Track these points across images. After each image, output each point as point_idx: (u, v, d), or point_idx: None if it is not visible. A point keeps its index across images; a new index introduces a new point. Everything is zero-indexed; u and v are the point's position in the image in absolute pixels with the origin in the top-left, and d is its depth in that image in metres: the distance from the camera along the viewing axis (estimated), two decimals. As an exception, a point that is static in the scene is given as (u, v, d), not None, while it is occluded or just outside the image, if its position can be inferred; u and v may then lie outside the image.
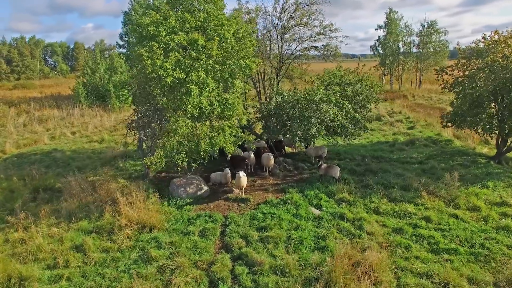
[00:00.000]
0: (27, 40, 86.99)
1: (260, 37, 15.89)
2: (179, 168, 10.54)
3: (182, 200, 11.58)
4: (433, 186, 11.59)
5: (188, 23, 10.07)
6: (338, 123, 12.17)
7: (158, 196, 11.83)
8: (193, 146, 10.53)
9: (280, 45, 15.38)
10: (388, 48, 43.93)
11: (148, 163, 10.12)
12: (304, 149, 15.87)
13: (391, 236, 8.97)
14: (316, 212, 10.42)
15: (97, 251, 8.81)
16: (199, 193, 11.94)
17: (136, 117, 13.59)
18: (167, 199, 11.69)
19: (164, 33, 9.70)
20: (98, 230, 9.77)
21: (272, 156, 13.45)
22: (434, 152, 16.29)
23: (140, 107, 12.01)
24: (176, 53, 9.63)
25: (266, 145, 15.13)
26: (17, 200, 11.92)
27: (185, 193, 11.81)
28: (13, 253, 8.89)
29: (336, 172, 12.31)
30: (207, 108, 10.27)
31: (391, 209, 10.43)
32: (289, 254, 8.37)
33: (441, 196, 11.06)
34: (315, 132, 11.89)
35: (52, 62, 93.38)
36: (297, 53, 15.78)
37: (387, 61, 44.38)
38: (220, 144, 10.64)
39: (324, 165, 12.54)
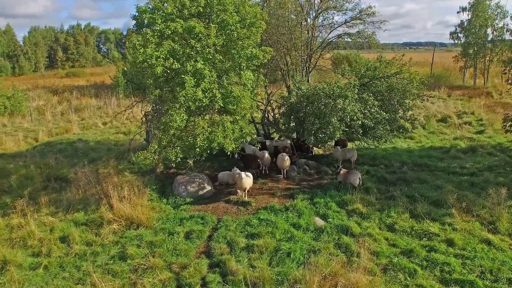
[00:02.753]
0: (82, 27, 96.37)
1: (290, 24, 15.83)
2: (173, 165, 11.09)
3: (181, 199, 12.18)
4: (472, 203, 10.65)
5: (187, 9, 10.53)
6: (359, 123, 11.73)
7: (158, 193, 12.67)
8: (191, 141, 11.00)
9: (310, 32, 15.18)
10: (472, 35, 40.39)
11: (141, 157, 10.80)
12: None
13: (396, 258, 8.51)
14: (320, 223, 10.25)
15: (80, 244, 9.72)
16: (200, 192, 12.43)
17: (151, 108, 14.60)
18: (167, 197, 12.39)
19: (160, 20, 10.28)
20: (89, 223, 10.74)
21: (287, 157, 13.42)
22: (497, 162, 14.82)
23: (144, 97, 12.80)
24: (171, 41, 10.15)
25: (288, 145, 15.11)
26: (28, 187, 13.56)
27: (186, 191, 12.37)
28: (9, 237, 10.21)
29: (356, 179, 11.91)
30: (204, 101, 10.64)
31: (410, 227, 9.85)
32: (271, 266, 8.43)
33: (480, 217, 10.14)
34: (331, 132, 11.62)
35: (105, 50, 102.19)
36: (331, 40, 15.43)
37: (470, 51, 40.83)
38: (219, 141, 10.95)
39: (343, 171, 12.21)
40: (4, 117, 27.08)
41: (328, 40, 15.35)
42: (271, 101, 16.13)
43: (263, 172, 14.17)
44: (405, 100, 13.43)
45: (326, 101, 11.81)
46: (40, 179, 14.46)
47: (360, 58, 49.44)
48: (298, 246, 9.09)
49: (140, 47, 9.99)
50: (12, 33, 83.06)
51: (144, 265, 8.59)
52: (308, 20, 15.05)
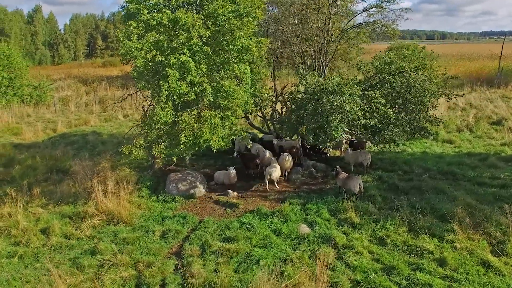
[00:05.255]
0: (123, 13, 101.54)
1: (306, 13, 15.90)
2: (158, 161, 11.74)
3: (171, 197, 12.86)
4: (486, 219, 10.23)
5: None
6: (359, 122, 11.64)
7: (150, 189, 13.46)
8: (178, 137, 11.60)
9: (326, 22, 15.16)
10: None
11: (126, 152, 11.58)
12: None
13: (373, 274, 8.48)
14: (305, 230, 10.39)
15: (59, 236, 10.68)
16: (191, 191, 13.01)
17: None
18: (158, 194, 13.13)
19: (146, 11, 10.94)
20: (74, 216, 11.74)
21: (288, 158, 13.61)
22: (541, 174, 13.90)
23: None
24: (155, 33, 10.77)
25: (295, 144, 15.25)
26: (30, 178, 14.98)
27: (176, 189, 13.03)
28: (-4, 225, 11.46)
29: (356, 185, 11.84)
30: (190, 95, 11.17)
31: (402, 242, 9.70)
32: (237, 272, 8.77)
33: (490, 235, 9.72)
34: (330, 131, 11.65)
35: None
36: (348, 30, 15.27)
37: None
38: (205, 138, 11.43)
39: (343, 175, 12.19)
40: (29, 107, 29.64)
41: (346, 29, 15.19)
42: (285, 96, 16.30)
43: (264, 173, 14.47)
44: (424, 99, 13.02)
45: (327, 97, 11.85)
46: (43, 170, 15.86)
47: (418, 49, 47.84)
48: (271, 253, 9.34)
49: (124, 39, 10.72)
50: (54, 21, 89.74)
51: (111, 261, 9.30)
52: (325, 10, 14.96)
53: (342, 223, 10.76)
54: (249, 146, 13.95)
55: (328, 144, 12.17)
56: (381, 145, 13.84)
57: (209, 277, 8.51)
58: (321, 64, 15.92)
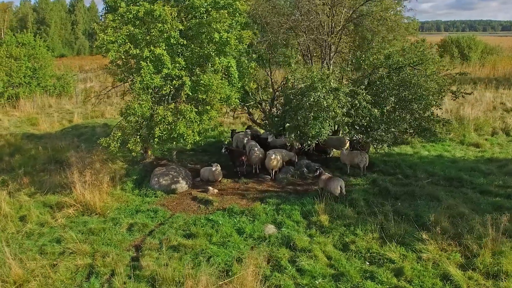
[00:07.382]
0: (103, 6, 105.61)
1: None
2: (134, 154, 12.66)
3: (152, 191, 13.72)
4: (471, 229, 10.13)
5: (151, -9, 11.88)
6: (343, 120, 11.81)
7: (136, 183, 14.43)
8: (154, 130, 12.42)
9: (330, 10, 15.31)
10: None
11: (104, 144, 12.56)
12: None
13: (320, 280, 8.76)
14: (270, 231, 10.81)
15: (34, 224, 11.85)
16: (172, 186, 13.80)
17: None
18: (140, 188, 14.06)
19: (124, 4, 11.80)
20: (54, 205, 12.90)
21: (274, 156, 13.98)
22: (562, 184, 13.27)
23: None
24: (131, 26, 11.60)
25: (288, 142, 15.58)
26: (28, 167, 16.48)
27: (158, 184, 13.88)
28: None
29: (336, 187, 12.04)
30: (165, 89, 11.93)
31: (366, 248, 9.85)
32: (186, 267, 9.39)
33: (467, 247, 9.63)
34: (308, 130, 11.93)
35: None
36: (349, 22, 15.30)
37: None
38: (180, 131, 12.14)
39: (325, 176, 12.41)
40: (52, 98, 31.96)
41: (347, 21, 15.23)
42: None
43: (253, 171, 14.96)
44: (424, 97, 12.84)
45: (308, 93, 12.10)
46: (43, 161, 17.36)
47: (476, 42, 45.90)
48: (226, 252, 9.88)
49: (100, 31, 11.66)
50: (95, 10, 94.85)
51: (71, 249, 10.27)
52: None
53: (311, 226, 11.05)
54: (227, 143, 14.54)
55: (309, 142, 12.44)
56: (375, 145, 13.80)
57: (155, 270, 9.20)
58: (327, 58, 16.11)
